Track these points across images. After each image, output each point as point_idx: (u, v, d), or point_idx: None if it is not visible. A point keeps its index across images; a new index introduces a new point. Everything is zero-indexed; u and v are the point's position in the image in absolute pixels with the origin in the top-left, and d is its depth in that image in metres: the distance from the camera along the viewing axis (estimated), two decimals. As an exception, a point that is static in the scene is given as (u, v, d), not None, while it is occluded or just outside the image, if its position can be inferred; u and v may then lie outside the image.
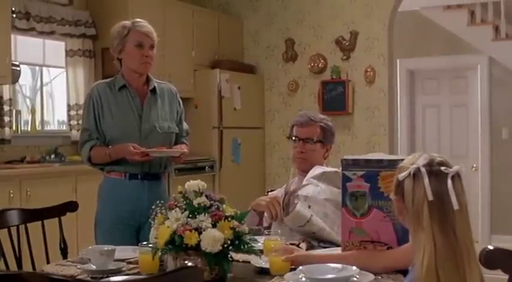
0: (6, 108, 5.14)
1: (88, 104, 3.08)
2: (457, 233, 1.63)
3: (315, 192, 2.60)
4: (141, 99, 3.11)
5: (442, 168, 1.68)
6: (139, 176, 3.05)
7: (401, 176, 1.71)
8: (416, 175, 1.68)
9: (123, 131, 3.04)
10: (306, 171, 2.81)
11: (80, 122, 5.71)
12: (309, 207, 2.54)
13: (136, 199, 3.02)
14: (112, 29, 3.14)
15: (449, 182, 1.66)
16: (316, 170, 2.70)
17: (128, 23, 3.10)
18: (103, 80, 3.23)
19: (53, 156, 5.44)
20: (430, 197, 1.65)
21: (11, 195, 4.49)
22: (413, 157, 1.75)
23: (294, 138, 2.90)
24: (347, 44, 6.77)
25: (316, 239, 2.53)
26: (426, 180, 1.66)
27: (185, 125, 3.30)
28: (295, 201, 2.53)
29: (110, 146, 3.04)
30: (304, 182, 2.68)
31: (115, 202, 3.04)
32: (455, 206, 1.64)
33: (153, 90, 3.14)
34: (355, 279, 1.90)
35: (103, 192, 3.11)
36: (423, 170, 1.68)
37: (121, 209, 3.02)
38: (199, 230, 1.96)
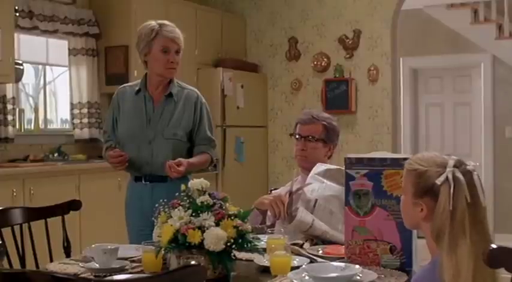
0: (9, 106, 5.14)
1: (110, 107, 3.20)
2: (486, 230, 1.64)
3: (321, 188, 2.60)
4: (156, 103, 3.10)
5: (468, 167, 1.67)
6: (142, 179, 3.09)
7: (439, 180, 1.65)
8: (455, 179, 1.65)
9: (130, 134, 3.08)
10: (307, 169, 2.81)
11: (83, 120, 5.77)
12: (316, 200, 2.53)
13: (140, 201, 3.06)
14: (139, 29, 3.11)
15: (476, 178, 1.66)
16: (320, 167, 2.70)
17: (155, 25, 3.04)
18: (128, 83, 3.29)
19: (56, 154, 5.46)
20: (469, 199, 1.63)
21: (14, 193, 4.49)
22: (436, 157, 1.71)
23: (296, 135, 2.92)
24: (350, 42, 6.76)
25: (320, 240, 2.52)
26: (464, 183, 1.64)
27: (207, 133, 3.17)
28: (298, 204, 2.52)
29: (116, 149, 3.09)
30: (308, 180, 2.68)
31: (126, 203, 3.18)
32: (483, 203, 1.64)
33: (169, 95, 3.10)
34: (358, 277, 1.90)
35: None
36: (459, 173, 1.65)
37: (129, 211, 3.16)
38: (202, 229, 1.96)
